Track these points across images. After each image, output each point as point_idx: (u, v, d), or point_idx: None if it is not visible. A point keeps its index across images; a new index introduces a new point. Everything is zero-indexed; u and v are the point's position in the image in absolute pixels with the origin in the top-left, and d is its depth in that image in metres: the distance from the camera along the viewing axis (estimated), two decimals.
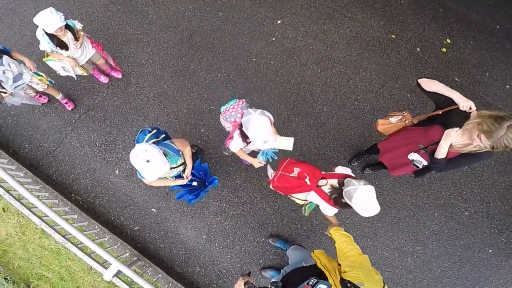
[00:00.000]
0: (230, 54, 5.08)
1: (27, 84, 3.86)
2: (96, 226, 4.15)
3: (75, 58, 3.86)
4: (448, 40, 5.40)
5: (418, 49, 5.28)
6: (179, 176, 3.21)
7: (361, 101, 4.89)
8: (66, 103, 4.63)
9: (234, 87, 4.88)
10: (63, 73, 4.02)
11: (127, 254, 3.99)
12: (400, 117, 3.16)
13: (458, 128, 2.46)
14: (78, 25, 3.65)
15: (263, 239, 4.27)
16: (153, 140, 3.02)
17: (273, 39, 5.22)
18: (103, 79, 4.75)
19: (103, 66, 4.51)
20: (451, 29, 5.50)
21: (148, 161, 2.38)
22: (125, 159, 4.54)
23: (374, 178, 4.53)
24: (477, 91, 5.08)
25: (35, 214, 3.43)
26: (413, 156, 2.94)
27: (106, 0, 5.40)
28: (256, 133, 2.65)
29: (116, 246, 4.01)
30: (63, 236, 3.39)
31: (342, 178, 2.80)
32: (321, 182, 2.91)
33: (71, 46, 3.65)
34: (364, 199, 2.42)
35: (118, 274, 3.21)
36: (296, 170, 3.06)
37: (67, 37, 3.57)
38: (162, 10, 5.28)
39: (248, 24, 5.29)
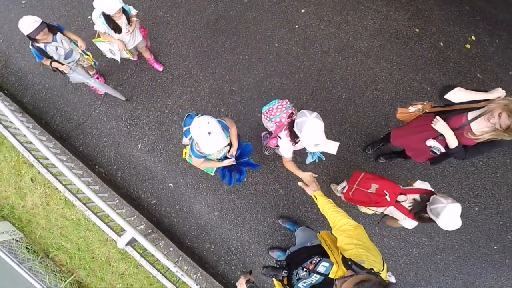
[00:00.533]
0: (253, 39, 4.80)
1: (76, 61, 3.73)
2: (116, 198, 4.02)
3: (124, 42, 3.72)
4: (473, 37, 4.92)
5: (442, 44, 4.83)
6: (224, 158, 3.00)
7: (380, 91, 4.53)
8: (97, 78, 4.46)
9: (255, 70, 4.61)
10: (109, 55, 3.88)
11: (142, 227, 3.83)
12: (420, 106, 3.02)
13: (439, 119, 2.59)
14: (133, 11, 3.56)
15: (273, 219, 4.05)
16: None
17: (296, 26, 4.88)
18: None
19: (146, 55, 4.37)
20: (477, 27, 5.01)
21: (209, 133, 2.21)
22: (148, 134, 4.38)
23: (387, 167, 4.23)
24: (498, 90, 4.59)
25: (60, 182, 3.31)
26: (431, 142, 2.77)
27: None
28: (310, 136, 2.45)
29: (132, 218, 3.88)
30: (85, 204, 3.26)
31: (423, 193, 2.70)
32: (401, 198, 2.80)
33: (124, 29, 3.54)
34: (452, 217, 2.39)
35: (131, 243, 3.06)
36: (374, 186, 2.95)
37: (121, 21, 3.45)
38: None
39: (272, 11, 4.97)
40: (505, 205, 4.18)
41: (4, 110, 3.40)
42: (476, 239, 4.07)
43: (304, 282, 1.79)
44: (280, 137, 2.85)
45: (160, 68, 4.61)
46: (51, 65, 3.43)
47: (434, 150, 2.78)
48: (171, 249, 3.77)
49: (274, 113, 3.08)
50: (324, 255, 1.90)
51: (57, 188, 3.83)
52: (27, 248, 4.01)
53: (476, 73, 4.70)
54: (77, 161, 4.17)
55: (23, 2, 5.17)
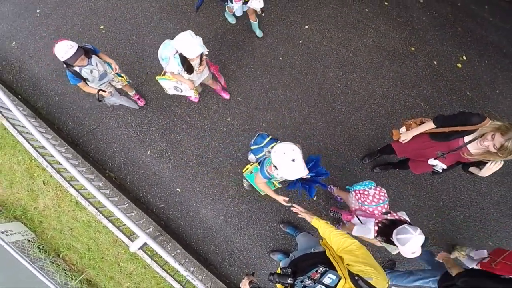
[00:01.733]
0: (259, 52, 4.87)
1: (109, 82, 3.71)
2: (126, 202, 4.04)
3: (192, 81, 3.63)
4: (464, 57, 5.07)
5: (435, 63, 4.97)
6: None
7: (377, 105, 4.63)
8: (139, 98, 4.48)
9: (260, 82, 4.68)
10: (171, 92, 3.85)
11: (151, 229, 3.85)
12: (405, 128, 3.23)
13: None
14: (205, 50, 3.30)
15: (274, 224, 4.09)
16: (274, 144, 2.84)
17: (300, 42, 4.98)
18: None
19: (213, 86, 4.28)
20: (468, 47, 5.17)
21: (293, 160, 2.18)
22: (157, 141, 4.40)
23: (382, 177, 4.30)
24: (486, 106, 4.79)
25: (73, 187, 3.30)
26: (434, 162, 2.89)
27: (129, 14, 5.27)
28: (410, 251, 2.42)
29: (141, 221, 3.88)
30: (97, 209, 3.27)
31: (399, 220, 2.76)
32: None
33: (195, 69, 3.40)
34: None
35: (143, 246, 3.06)
36: None
37: (195, 61, 3.29)
38: (199, 9, 5.10)
39: (277, 26, 5.06)
40: (487, 214, 4.29)
41: (18, 115, 3.38)
42: (461, 245, 4.08)
43: None
44: (361, 223, 2.91)
45: (227, 96, 4.52)
46: (97, 94, 3.40)
47: (437, 169, 2.92)
48: (178, 251, 3.80)
49: (370, 202, 2.94)
50: (329, 265, 1.90)
51: (68, 191, 3.87)
52: (38, 248, 4.01)
53: (466, 91, 4.82)
54: (88, 166, 4.18)
55: (38, 11, 5.20)
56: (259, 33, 4.86)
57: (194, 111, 4.49)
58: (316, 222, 2.32)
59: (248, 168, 3.26)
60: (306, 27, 5.09)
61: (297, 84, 4.70)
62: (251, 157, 3.14)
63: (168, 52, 3.19)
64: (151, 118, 4.51)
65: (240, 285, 2.13)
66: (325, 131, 4.44)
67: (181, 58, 3.13)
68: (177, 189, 4.22)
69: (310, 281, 1.82)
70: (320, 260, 2.00)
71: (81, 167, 4.04)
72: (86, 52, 3.15)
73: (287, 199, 2.78)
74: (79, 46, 3.06)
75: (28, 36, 5.01)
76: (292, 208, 2.55)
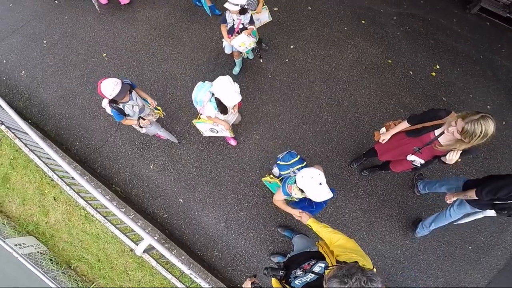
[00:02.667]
0: (250, 71, 5.15)
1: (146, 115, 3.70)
2: (132, 213, 4.18)
3: (227, 121, 3.69)
4: (438, 66, 5.37)
5: (411, 73, 5.26)
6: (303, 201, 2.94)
7: (360, 114, 4.87)
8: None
9: (252, 98, 4.93)
10: (207, 134, 3.96)
11: (156, 238, 3.97)
12: (385, 128, 3.42)
13: None
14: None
15: (273, 228, 4.20)
16: (299, 166, 2.98)
17: (286, 60, 5.28)
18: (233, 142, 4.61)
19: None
20: (440, 57, 5.48)
21: (320, 183, 2.34)
22: (159, 156, 4.59)
23: (371, 179, 4.46)
24: (461, 110, 4.84)
25: (82, 198, 3.44)
26: (412, 157, 3.04)
27: (148, 26, 5.60)
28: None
29: (147, 230, 3.98)
30: (104, 217, 3.38)
31: None
32: None
33: (230, 110, 3.41)
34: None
35: (148, 250, 3.18)
36: None
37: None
38: (194, 35, 5.44)
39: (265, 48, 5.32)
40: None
41: (32, 134, 3.50)
42: (452, 241, 4.21)
43: (300, 280, 1.92)
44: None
45: (234, 143, 4.59)
46: (138, 122, 3.38)
47: (416, 164, 3.08)
48: (183, 257, 3.91)
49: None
50: (320, 258, 2.04)
51: (78, 205, 4.04)
52: (51, 260, 4.12)
53: (442, 96, 5.08)
54: (95, 181, 4.36)
55: (44, 41, 5.49)
56: (250, 55, 5.12)
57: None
58: (312, 222, 2.46)
59: (267, 178, 3.34)
60: (292, 46, 5.40)
61: (286, 99, 4.94)
62: (275, 170, 3.21)
63: (203, 96, 3.25)
64: (152, 136, 4.62)
65: (243, 285, 2.20)
66: (314, 140, 4.65)
67: (217, 102, 3.17)
68: (180, 200, 4.36)
69: (300, 272, 1.99)
70: (314, 256, 2.13)
71: (89, 182, 4.19)
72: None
73: (300, 211, 2.78)
74: (122, 82, 3.08)
75: (36, 65, 5.27)
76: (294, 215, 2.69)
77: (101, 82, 3.02)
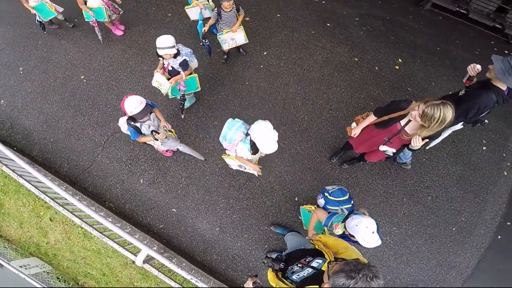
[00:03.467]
0: (228, 80, 5.29)
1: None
2: (128, 226, 4.20)
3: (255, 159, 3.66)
4: (400, 60, 5.69)
5: (377, 68, 5.55)
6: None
7: (334, 110, 5.08)
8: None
9: (232, 105, 5.06)
10: (235, 168, 3.87)
11: (155, 248, 4.00)
12: (355, 123, 3.58)
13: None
14: None
15: (265, 227, 4.30)
16: (347, 206, 3.02)
17: (261, 66, 5.46)
18: None
19: None
20: (402, 51, 5.81)
21: (373, 232, 2.40)
22: (147, 170, 4.63)
23: (351, 171, 4.64)
24: (425, 97, 5.21)
25: (77, 217, 3.47)
26: (384, 147, 3.12)
27: (123, 45, 5.66)
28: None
29: (145, 242, 4.03)
30: (101, 233, 3.44)
31: None
32: None
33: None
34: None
35: (148, 261, 3.23)
36: None
37: None
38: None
39: (241, 56, 5.53)
40: (452, 192, 4.59)
41: (18, 161, 3.42)
42: (436, 224, 4.38)
43: (298, 275, 1.97)
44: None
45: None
46: (153, 135, 3.33)
47: (388, 153, 3.17)
48: (184, 264, 3.95)
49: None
50: (318, 255, 2.07)
51: (74, 224, 4.04)
52: (58, 278, 4.12)
53: (406, 87, 5.39)
54: (88, 200, 4.34)
55: (21, 69, 5.43)
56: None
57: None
58: (322, 237, 2.45)
59: (308, 207, 3.37)
60: (265, 53, 5.59)
61: (263, 103, 5.11)
62: (321, 201, 3.16)
63: (234, 135, 3.17)
64: (139, 151, 4.74)
65: (244, 285, 2.22)
66: (294, 139, 4.83)
67: (251, 143, 3.07)
68: (173, 210, 4.42)
69: (298, 267, 2.04)
70: (310, 253, 2.19)
71: (82, 201, 4.19)
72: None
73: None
74: (146, 102, 3.11)
75: (15, 93, 5.21)
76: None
77: (126, 98, 3.03)
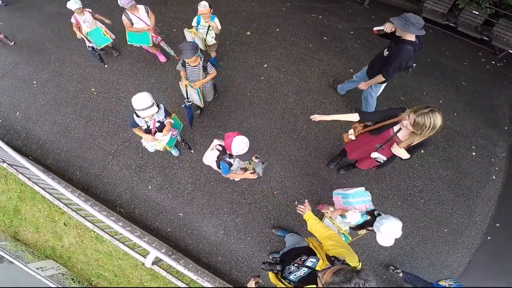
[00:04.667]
0: (230, 91, 5.47)
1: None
2: (138, 230, 4.34)
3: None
4: None
5: None
6: None
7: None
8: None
9: (235, 115, 5.22)
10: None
11: (163, 250, 4.14)
12: (353, 130, 3.63)
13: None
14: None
15: (267, 230, 4.42)
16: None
17: (262, 78, 5.66)
18: None
19: None
20: None
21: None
22: (155, 177, 4.78)
23: (348, 176, 4.78)
24: (417, 105, 5.43)
25: (89, 222, 3.61)
26: (375, 154, 3.22)
27: (131, 59, 5.89)
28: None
29: (154, 245, 4.14)
30: (112, 236, 3.56)
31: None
32: None
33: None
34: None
35: (157, 262, 3.34)
36: None
37: None
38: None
39: (243, 69, 5.74)
40: (443, 196, 4.73)
41: (32, 169, 3.56)
42: (429, 226, 4.51)
43: (295, 275, 2.02)
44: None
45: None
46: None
47: (379, 160, 3.26)
48: (191, 265, 4.08)
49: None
50: (311, 254, 2.12)
51: (87, 228, 4.19)
52: (72, 279, 4.28)
53: (399, 96, 5.59)
54: (100, 205, 4.50)
55: (34, 82, 5.64)
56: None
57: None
58: (308, 214, 2.55)
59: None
60: (265, 65, 5.80)
61: (264, 112, 5.29)
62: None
63: (356, 204, 3.32)
64: (147, 159, 4.91)
65: (248, 285, 2.27)
66: (293, 147, 4.99)
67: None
68: (180, 214, 4.56)
69: (294, 267, 2.09)
70: (304, 251, 2.24)
71: (93, 207, 4.34)
72: None
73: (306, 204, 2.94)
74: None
75: (29, 106, 5.41)
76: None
77: (234, 137, 2.90)
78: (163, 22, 6.33)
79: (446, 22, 6.50)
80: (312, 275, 1.91)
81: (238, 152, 2.90)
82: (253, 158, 3.48)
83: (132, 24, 4.84)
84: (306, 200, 2.80)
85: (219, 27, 4.68)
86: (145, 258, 3.26)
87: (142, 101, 3.31)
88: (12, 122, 5.27)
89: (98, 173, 4.86)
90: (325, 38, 6.22)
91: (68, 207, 3.73)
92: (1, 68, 5.83)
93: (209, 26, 4.64)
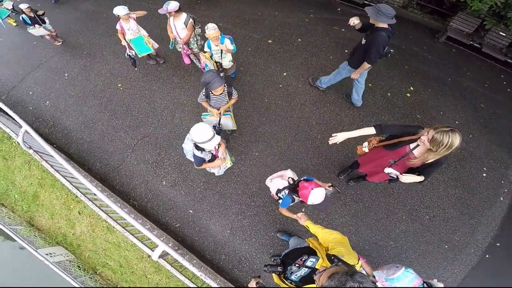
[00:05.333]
0: (248, 97, 5.59)
1: None
2: (148, 224, 4.48)
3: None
4: (412, 88, 5.88)
5: (389, 94, 5.75)
6: None
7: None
8: None
9: (251, 120, 5.32)
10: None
11: (170, 245, 4.21)
12: (366, 143, 3.66)
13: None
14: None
15: (272, 233, 4.46)
16: None
17: (280, 86, 5.76)
18: None
19: None
20: (414, 80, 6.01)
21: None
22: (170, 173, 4.93)
23: (356, 189, 4.78)
24: (433, 125, 5.32)
25: (103, 212, 3.74)
26: (388, 170, 3.15)
27: (141, 73, 6.07)
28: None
29: (162, 238, 4.29)
30: (124, 227, 3.68)
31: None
32: None
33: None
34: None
35: (163, 256, 3.43)
36: None
37: None
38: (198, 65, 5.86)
39: (262, 75, 5.86)
40: (449, 213, 4.69)
41: (57, 157, 3.74)
42: (431, 241, 4.47)
43: (296, 275, 2.09)
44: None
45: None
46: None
47: (392, 176, 3.12)
48: (195, 261, 4.19)
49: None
50: (311, 253, 2.18)
51: (100, 218, 4.37)
52: (78, 267, 4.47)
53: (416, 114, 5.55)
54: (115, 197, 4.68)
55: (66, 75, 5.97)
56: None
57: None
58: (309, 223, 2.68)
59: None
60: (285, 74, 5.91)
61: (280, 119, 5.37)
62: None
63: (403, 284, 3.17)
64: (164, 155, 5.08)
65: (248, 285, 2.33)
66: (306, 155, 5.05)
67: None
68: (190, 211, 4.68)
69: (295, 267, 2.16)
70: (305, 251, 2.30)
71: (109, 197, 4.52)
72: None
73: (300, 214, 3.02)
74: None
75: (59, 96, 5.73)
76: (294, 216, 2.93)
77: (311, 190, 2.71)
78: None
79: (471, 43, 6.43)
80: (312, 275, 1.94)
81: (314, 202, 2.75)
82: (327, 187, 3.22)
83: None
84: (299, 214, 2.93)
85: (230, 47, 4.47)
86: (153, 251, 3.36)
87: (204, 132, 2.99)
88: (42, 111, 5.59)
89: (116, 165, 5.06)
90: (346, 51, 6.26)
91: (85, 196, 3.89)
92: (37, 60, 6.21)
93: (221, 50, 4.51)
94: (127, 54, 5.35)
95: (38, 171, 5.01)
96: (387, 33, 3.88)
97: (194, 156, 3.30)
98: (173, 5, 4.51)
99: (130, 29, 5.10)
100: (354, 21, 4.02)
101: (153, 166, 5.01)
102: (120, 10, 4.80)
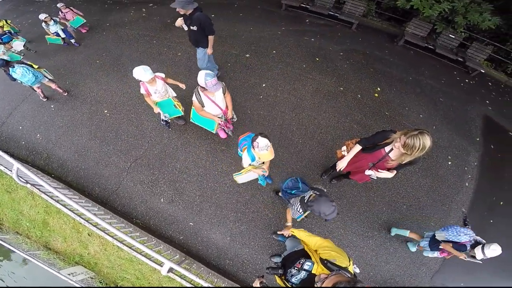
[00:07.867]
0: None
1: None
2: (153, 239, 4.75)
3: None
4: (379, 89, 6.51)
5: (359, 96, 6.32)
6: None
7: (324, 133, 5.73)
8: None
9: (237, 132, 5.61)
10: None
11: (178, 256, 4.49)
12: (345, 146, 3.86)
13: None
14: None
15: (269, 235, 4.79)
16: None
17: (261, 97, 6.19)
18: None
19: None
20: (380, 81, 6.65)
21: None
22: (166, 191, 5.22)
23: (339, 186, 5.19)
24: (401, 120, 6.05)
25: (108, 234, 3.99)
26: (368, 172, 3.42)
27: (126, 97, 6.27)
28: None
29: (169, 251, 4.55)
30: (130, 248, 3.91)
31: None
32: None
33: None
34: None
35: (171, 270, 3.63)
36: None
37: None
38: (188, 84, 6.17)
39: (242, 88, 6.27)
40: (423, 202, 5.15)
41: (53, 191, 3.82)
42: (411, 228, 4.78)
43: (296, 278, 2.16)
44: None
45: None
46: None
47: (373, 177, 3.47)
48: (202, 268, 4.49)
49: None
50: (307, 256, 2.28)
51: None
52: (100, 282, 4.79)
53: (385, 112, 6.14)
54: (118, 217, 4.91)
55: (52, 106, 6.19)
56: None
57: (190, 163, 5.39)
58: (293, 230, 2.89)
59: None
60: (264, 85, 6.36)
61: (263, 129, 5.75)
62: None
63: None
64: (158, 175, 5.36)
65: (253, 285, 2.41)
66: (290, 160, 5.46)
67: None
68: (190, 223, 4.98)
69: (295, 271, 2.24)
70: (301, 254, 2.38)
71: (113, 219, 4.71)
72: None
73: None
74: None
75: (48, 128, 5.91)
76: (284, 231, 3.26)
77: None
78: (168, 47, 6.89)
79: (426, 45, 7.21)
80: (310, 278, 2.06)
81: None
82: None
83: (203, 106, 4.16)
84: (284, 232, 3.30)
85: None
86: (161, 266, 3.58)
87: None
88: (34, 144, 5.77)
89: (114, 188, 5.31)
90: (317, 59, 6.83)
91: (89, 222, 4.09)
92: (21, 93, 6.38)
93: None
94: (162, 120, 4.92)
95: (42, 200, 5.24)
96: (199, 10, 4.63)
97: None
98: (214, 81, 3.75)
99: (157, 92, 4.51)
100: (180, 23, 4.88)
101: (149, 185, 5.28)
102: (142, 75, 3.99)
